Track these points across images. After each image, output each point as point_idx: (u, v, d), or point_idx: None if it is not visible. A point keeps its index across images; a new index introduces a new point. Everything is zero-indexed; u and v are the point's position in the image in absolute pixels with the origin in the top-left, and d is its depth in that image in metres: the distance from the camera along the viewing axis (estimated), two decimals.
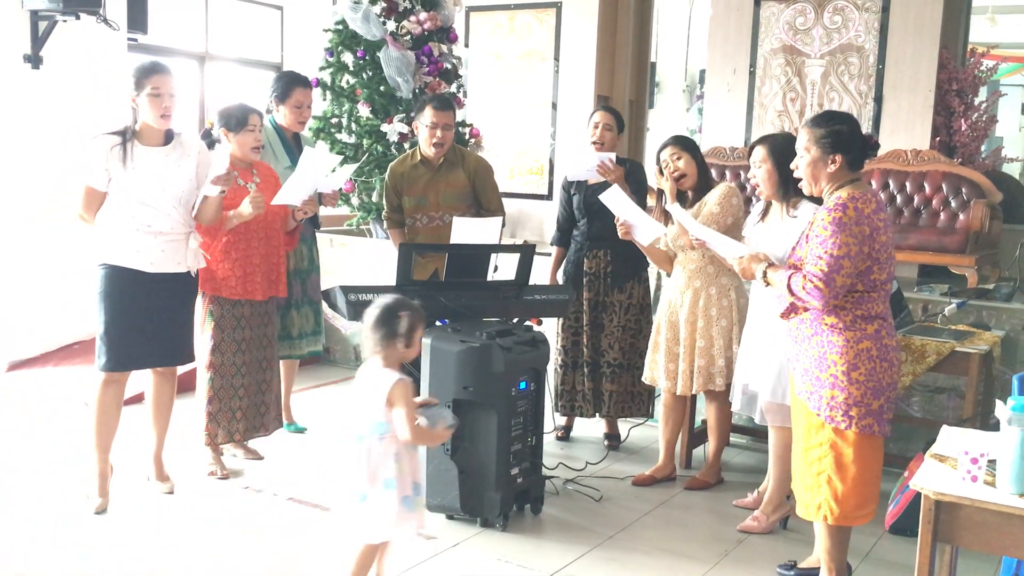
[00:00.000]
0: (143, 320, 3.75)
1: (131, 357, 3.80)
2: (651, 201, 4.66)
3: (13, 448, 4.42)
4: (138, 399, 4.25)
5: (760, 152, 3.60)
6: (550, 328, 4.79)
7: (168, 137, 3.77)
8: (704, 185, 4.20)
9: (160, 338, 3.81)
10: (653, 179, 4.38)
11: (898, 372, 3.04)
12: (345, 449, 2.89)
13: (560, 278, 4.83)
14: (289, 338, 4.68)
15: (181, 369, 4.06)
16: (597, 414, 4.79)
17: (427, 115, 4.52)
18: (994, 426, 3.92)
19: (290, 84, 4.60)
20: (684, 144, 4.21)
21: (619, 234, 4.18)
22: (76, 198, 3.74)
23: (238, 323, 4.14)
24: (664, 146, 4.23)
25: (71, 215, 4.06)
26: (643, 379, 4.42)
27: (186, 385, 4.53)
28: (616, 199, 4.12)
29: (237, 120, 4.05)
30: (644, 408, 4.77)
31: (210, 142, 4.13)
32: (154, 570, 3.31)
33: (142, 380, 4.05)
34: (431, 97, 4.71)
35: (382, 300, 2.95)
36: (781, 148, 3.47)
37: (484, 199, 4.68)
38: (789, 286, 2.95)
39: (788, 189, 3.50)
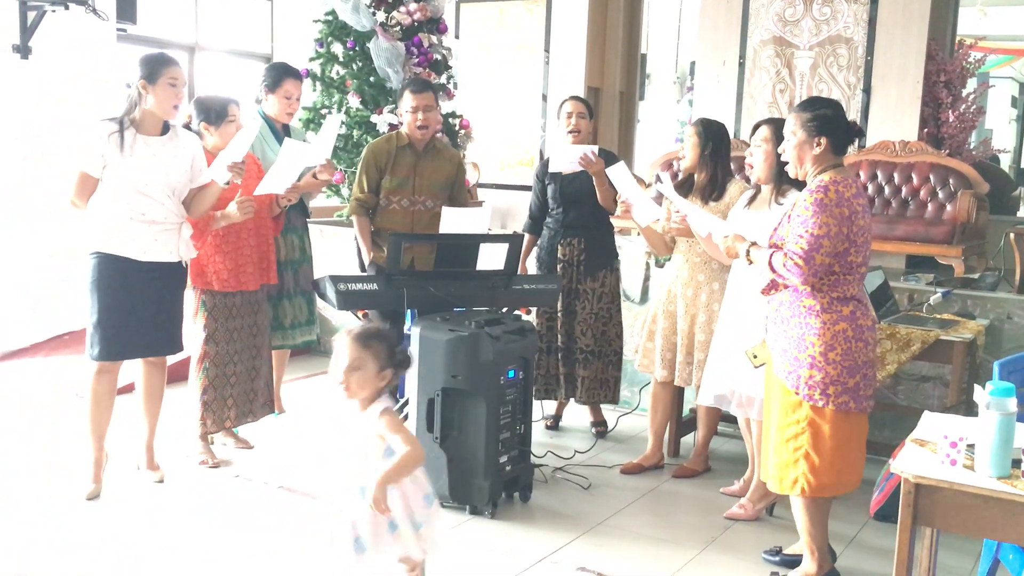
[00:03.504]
0: (135, 309, 3.74)
1: (123, 346, 3.79)
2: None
3: (4, 440, 4.43)
4: (129, 389, 4.25)
5: (764, 132, 3.63)
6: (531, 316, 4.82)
7: (165, 127, 3.78)
8: (715, 176, 4.15)
9: (151, 327, 3.81)
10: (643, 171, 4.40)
11: (874, 350, 3.12)
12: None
13: (533, 265, 4.86)
14: (282, 328, 4.71)
15: (171, 359, 4.07)
16: (572, 399, 4.83)
17: (407, 100, 4.45)
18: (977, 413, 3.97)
19: (281, 74, 4.61)
20: (700, 129, 4.16)
21: (619, 211, 4.20)
22: (69, 184, 3.72)
23: (230, 312, 4.16)
24: (691, 122, 4.26)
25: (61, 205, 4.05)
26: (636, 367, 4.45)
27: (176, 375, 4.54)
28: (621, 175, 4.12)
29: (217, 113, 4.03)
30: (613, 395, 4.79)
31: None
32: (149, 561, 3.31)
33: (132, 370, 4.06)
34: (408, 81, 4.59)
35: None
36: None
37: (459, 195, 4.65)
38: (771, 263, 3.03)
39: (782, 174, 3.52)
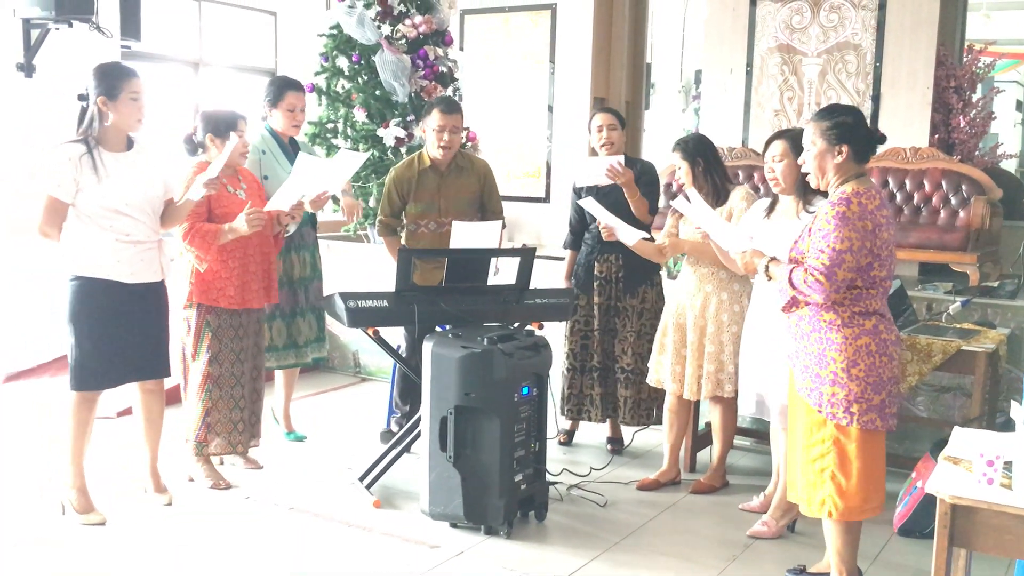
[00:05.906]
0: (119, 334, 3.62)
1: (107, 375, 3.66)
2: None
3: (12, 460, 4.36)
4: (128, 412, 4.15)
5: (780, 146, 3.55)
6: (558, 331, 4.72)
7: (130, 142, 3.67)
8: (716, 187, 4.08)
9: (139, 351, 3.69)
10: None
11: (898, 366, 3.03)
12: None
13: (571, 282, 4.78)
14: (296, 346, 4.66)
15: (168, 382, 3.95)
16: (608, 419, 4.74)
17: (434, 118, 4.48)
18: (1001, 425, 3.89)
19: (283, 87, 4.56)
20: (682, 153, 4.10)
21: (603, 236, 4.18)
22: (36, 212, 3.54)
23: (236, 333, 4.06)
24: (673, 149, 4.18)
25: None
26: (648, 380, 4.37)
27: (171, 398, 4.41)
28: (593, 206, 4.17)
29: (227, 125, 3.96)
30: (660, 415, 4.60)
31: (191, 148, 4.07)
32: None
33: (128, 393, 3.92)
34: (439, 100, 4.64)
35: None
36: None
37: (490, 202, 4.67)
38: (791, 280, 2.94)
39: (807, 185, 3.44)
